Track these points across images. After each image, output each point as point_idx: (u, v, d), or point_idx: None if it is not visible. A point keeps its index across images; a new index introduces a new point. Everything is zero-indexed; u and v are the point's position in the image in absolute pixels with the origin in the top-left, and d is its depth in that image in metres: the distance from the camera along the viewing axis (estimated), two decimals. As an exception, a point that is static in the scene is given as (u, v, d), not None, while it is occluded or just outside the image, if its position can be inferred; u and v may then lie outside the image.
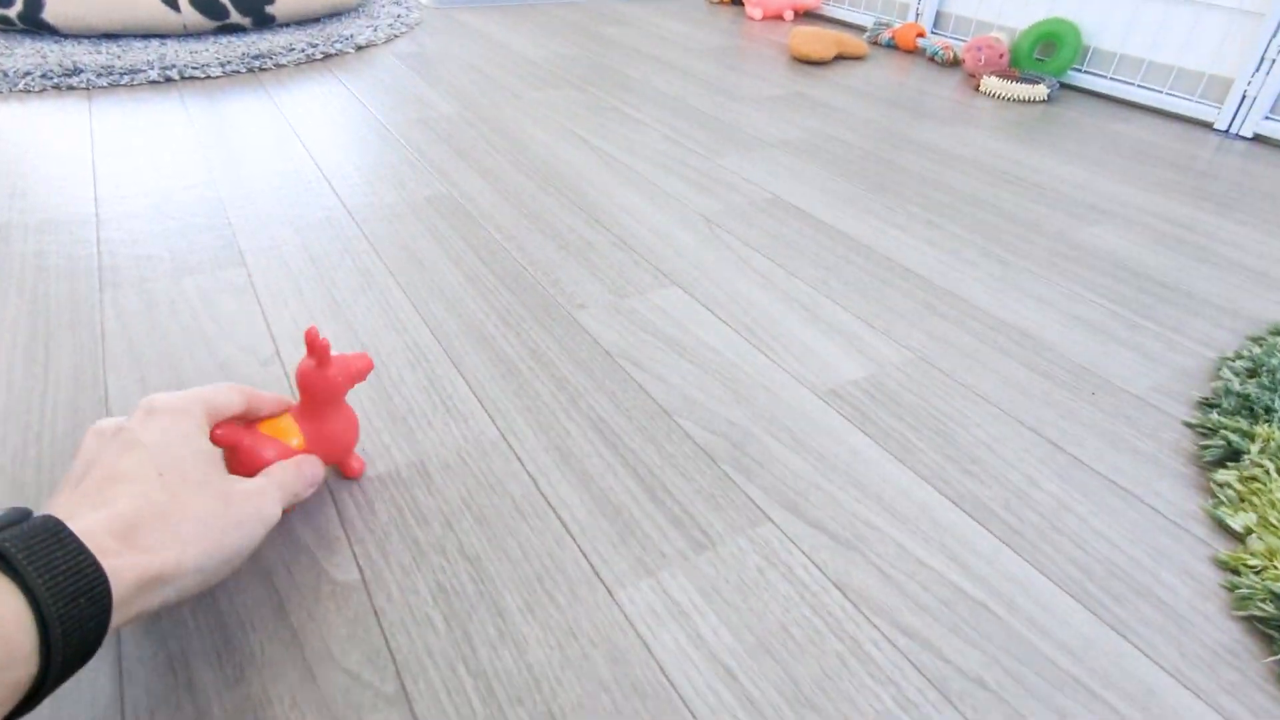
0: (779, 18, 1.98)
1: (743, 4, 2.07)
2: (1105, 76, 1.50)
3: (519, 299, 0.74)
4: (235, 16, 1.50)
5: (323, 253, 0.80)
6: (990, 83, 1.47)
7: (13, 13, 1.40)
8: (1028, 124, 1.33)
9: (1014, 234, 0.93)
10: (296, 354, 0.64)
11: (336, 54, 1.49)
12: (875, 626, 0.44)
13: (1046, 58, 1.54)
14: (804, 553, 0.48)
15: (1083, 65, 1.54)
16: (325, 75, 1.36)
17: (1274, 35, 1.27)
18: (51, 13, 1.40)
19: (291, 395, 0.59)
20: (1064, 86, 1.55)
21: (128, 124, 1.10)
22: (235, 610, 0.43)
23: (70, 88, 1.24)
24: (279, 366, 0.63)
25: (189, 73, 1.30)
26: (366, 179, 0.97)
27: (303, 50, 1.44)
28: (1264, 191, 1.10)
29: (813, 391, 0.63)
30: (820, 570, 0.47)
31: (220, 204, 0.88)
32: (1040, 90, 1.44)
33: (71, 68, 1.27)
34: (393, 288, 0.74)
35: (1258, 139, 1.32)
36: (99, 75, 1.26)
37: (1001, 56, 1.53)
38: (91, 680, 0.39)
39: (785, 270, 0.81)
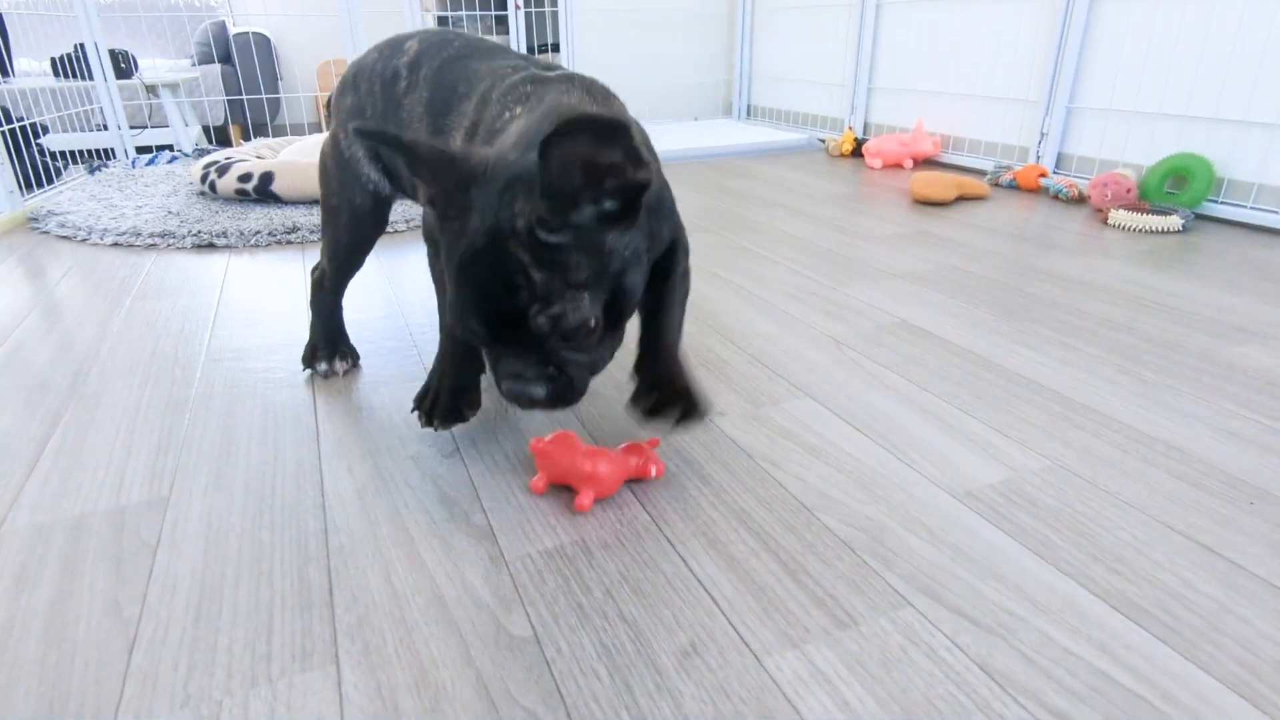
0: (898, 166, 2.09)
1: (863, 155, 2.21)
2: (1245, 206, 1.49)
3: (664, 407, 0.81)
4: (420, 183, 1.77)
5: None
6: (1119, 215, 1.49)
7: (250, 187, 1.72)
8: (1162, 253, 1.33)
9: (1154, 354, 0.92)
10: (475, 452, 0.73)
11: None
12: (1022, 706, 0.44)
13: (1178, 191, 1.55)
14: (946, 635, 0.49)
15: (1218, 196, 1.53)
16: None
17: None
18: (279, 186, 1.71)
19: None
20: (1199, 217, 1.54)
21: (335, 269, 1.31)
22: (430, 653, 0.49)
23: (289, 242, 1.49)
24: (459, 460, 0.72)
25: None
26: (528, 309, 1.10)
27: (473, 208, 1.67)
28: None
29: (948, 493, 0.65)
30: (963, 652, 0.48)
31: (407, 331, 1.03)
32: (1173, 221, 1.44)
33: (291, 226, 1.53)
34: (553, 397, 0.84)
35: None
36: (312, 232, 1.52)
37: (1129, 191, 1.55)
38: (317, 703, 0.46)
39: (915, 385, 0.85)
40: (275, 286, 1.23)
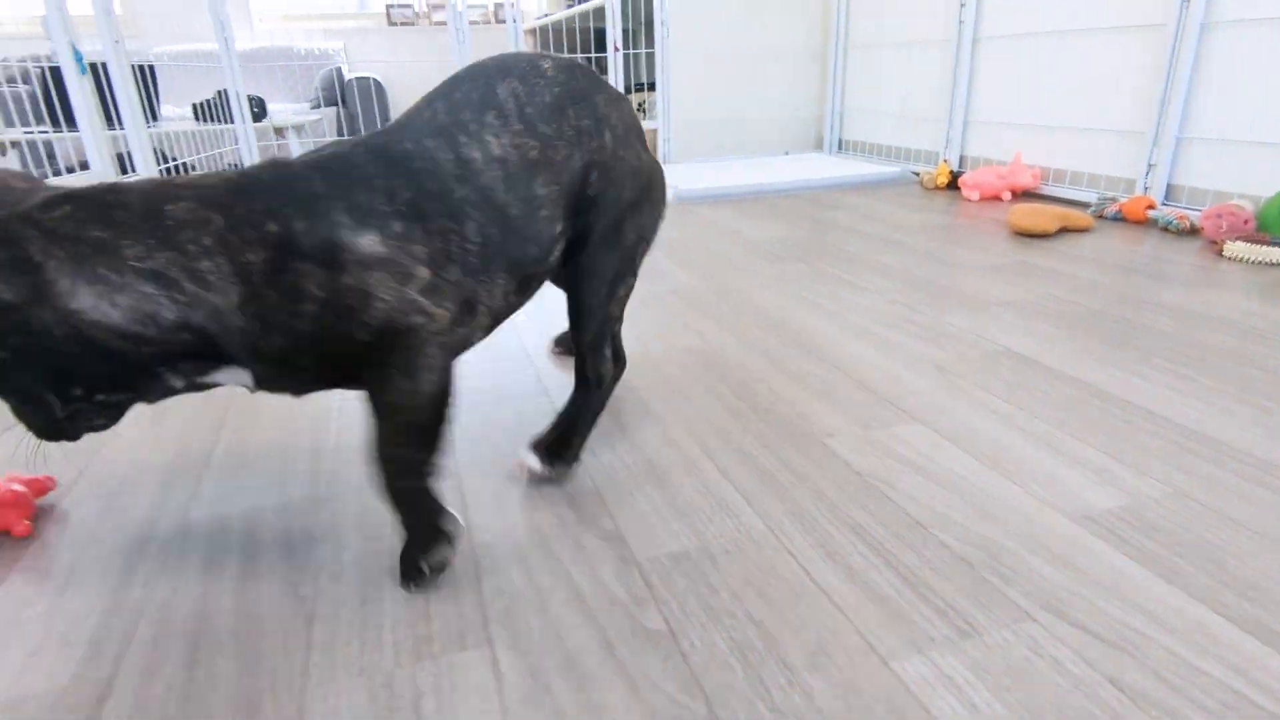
0: (997, 198, 2.08)
1: (958, 187, 2.20)
2: (1376, 237, 1.41)
3: (772, 428, 0.84)
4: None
5: (606, 388, 0.97)
6: (1236, 247, 1.44)
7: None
8: (1284, 285, 1.28)
9: (1276, 385, 0.90)
10: (595, 461, 0.78)
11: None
12: None
13: (1300, 221, 1.49)
14: (1072, 649, 0.51)
15: (1346, 227, 1.46)
16: (592, 257, 1.64)
17: None
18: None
19: (596, 490, 0.72)
20: (1325, 249, 1.47)
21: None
22: (574, 641, 0.54)
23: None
24: (581, 469, 0.77)
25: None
26: (638, 334, 1.16)
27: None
28: None
29: (1065, 516, 0.66)
30: (1090, 666, 0.49)
31: (526, 352, 1.10)
32: (1296, 253, 1.38)
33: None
34: (666, 416, 0.88)
35: None
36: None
37: (1246, 223, 1.50)
38: (477, 677, 0.51)
39: (1024, 411, 0.86)
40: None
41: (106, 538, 0.69)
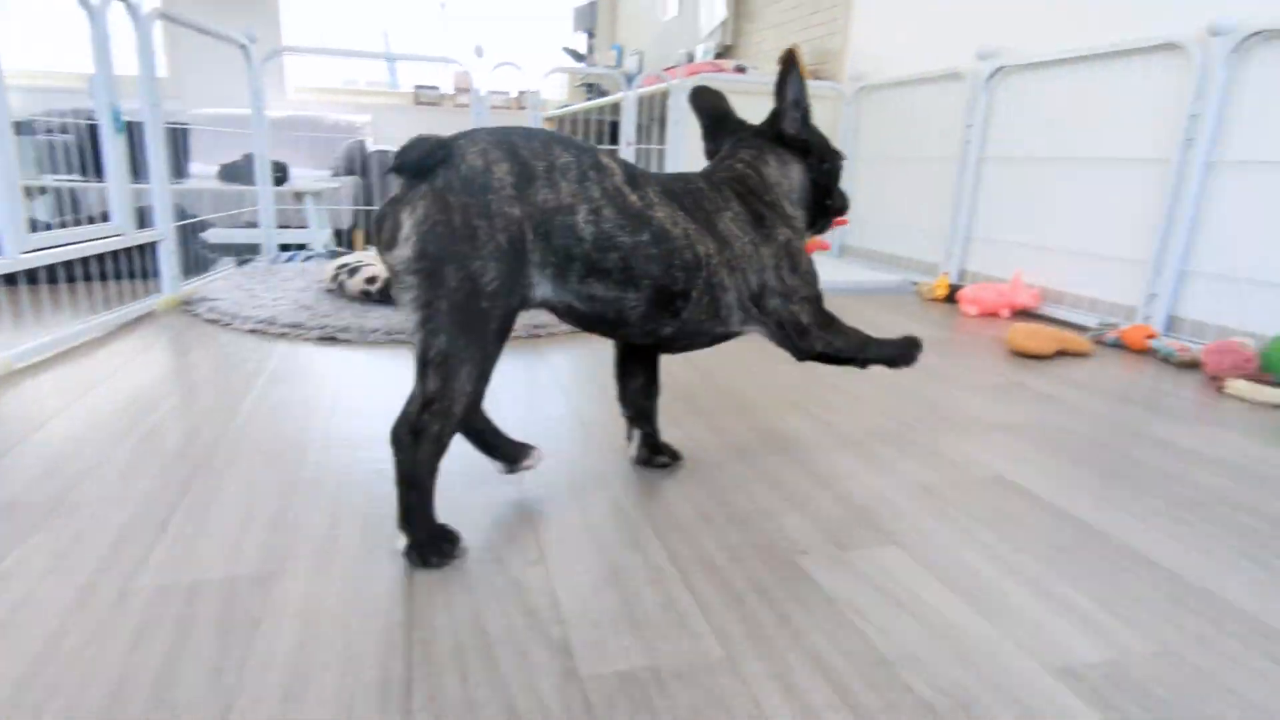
0: (995, 315, 2.08)
1: (956, 301, 2.21)
2: (1381, 387, 1.39)
3: (745, 538, 0.81)
4: (527, 296, 1.89)
5: (579, 482, 0.94)
6: (1239, 386, 1.42)
7: (374, 289, 1.87)
8: (1287, 429, 1.25)
9: (1278, 537, 0.86)
10: (558, 561, 0.75)
11: (599, 327, 1.80)
12: None
13: (1303, 365, 1.47)
14: (1040, 826, 0.46)
15: (1350, 374, 1.44)
16: (587, 341, 1.64)
17: None
18: (401, 289, 1.85)
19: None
20: (1330, 395, 1.45)
21: (441, 370, 1.40)
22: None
23: (401, 342, 1.60)
24: (543, 568, 0.73)
25: (488, 336, 1.64)
26: (618, 423, 1.13)
27: (574, 323, 1.76)
28: None
29: (1045, 667, 0.62)
30: None
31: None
32: (1299, 396, 1.36)
33: (405, 329, 1.65)
34: (638, 518, 0.85)
35: None
36: (425, 334, 1.63)
37: (1248, 361, 1.48)
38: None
39: (1010, 544, 0.82)
40: (387, 381, 1.31)
41: (44, 599, 0.66)
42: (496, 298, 0.72)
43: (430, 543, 0.74)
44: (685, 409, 1.22)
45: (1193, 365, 1.63)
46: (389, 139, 4.67)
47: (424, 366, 0.71)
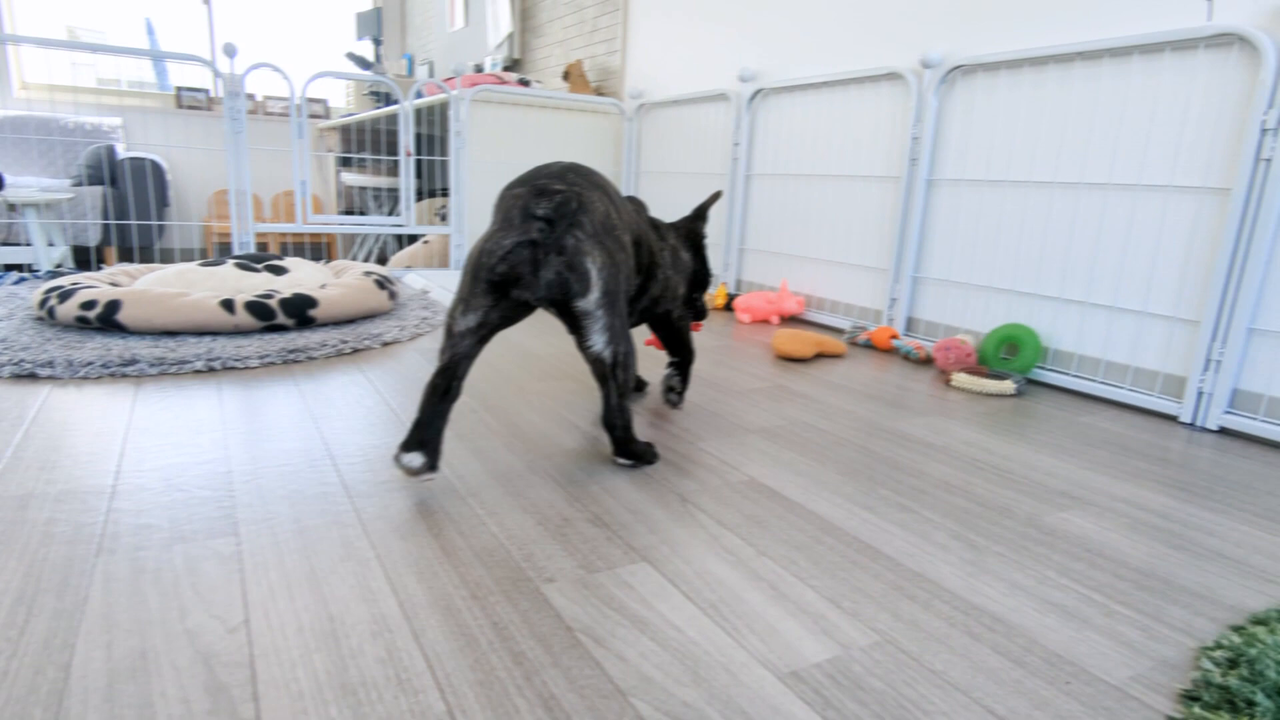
0: (766, 321, 2.20)
1: (734, 309, 2.32)
2: (1069, 374, 1.63)
3: (490, 572, 0.76)
4: (281, 318, 1.71)
5: (312, 525, 0.84)
6: (961, 378, 1.59)
7: (93, 315, 1.61)
8: (999, 416, 1.41)
9: (985, 519, 0.95)
10: (265, 623, 0.65)
11: (364, 349, 1.67)
12: None
13: (1011, 357, 1.68)
14: None
15: (1046, 363, 1.67)
16: (350, 367, 1.51)
17: (1213, 340, 1.39)
18: (125, 315, 1.61)
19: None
20: (1031, 382, 1.67)
21: (165, 407, 1.21)
22: None
23: (124, 375, 1.38)
24: (244, 634, 0.63)
25: (230, 364, 1.46)
26: (368, 459, 1.04)
27: (334, 346, 1.62)
28: (1235, 481, 1.14)
29: (773, 673, 0.62)
30: None
31: (229, 478, 0.95)
32: (1008, 385, 1.55)
33: (130, 359, 1.43)
34: (371, 559, 0.77)
35: (1224, 431, 1.39)
36: (152, 365, 1.41)
37: (969, 355, 1.67)
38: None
39: (755, 549, 0.83)
40: (92, 424, 1.11)
41: None
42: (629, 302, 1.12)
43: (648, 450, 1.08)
44: (448, 433, 1.15)
45: (928, 361, 1.81)
46: (145, 145, 4.13)
47: (614, 366, 1.00)
